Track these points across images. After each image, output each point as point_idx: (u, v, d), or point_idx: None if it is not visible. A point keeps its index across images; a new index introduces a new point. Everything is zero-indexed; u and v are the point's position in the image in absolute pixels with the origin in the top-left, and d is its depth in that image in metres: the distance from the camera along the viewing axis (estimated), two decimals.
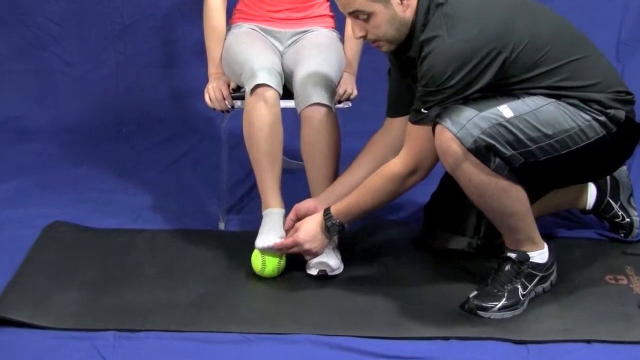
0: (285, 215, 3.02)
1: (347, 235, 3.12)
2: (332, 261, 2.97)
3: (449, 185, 2.93)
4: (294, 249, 2.90)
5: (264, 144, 3.01)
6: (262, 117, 2.99)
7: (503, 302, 2.75)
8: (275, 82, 3.02)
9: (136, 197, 3.67)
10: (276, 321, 2.74)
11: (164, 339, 2.65)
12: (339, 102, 3.19)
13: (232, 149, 3.49)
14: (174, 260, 3.12)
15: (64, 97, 4.46)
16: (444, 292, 2.88)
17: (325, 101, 3.01)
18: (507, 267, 2.79)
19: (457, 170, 2.64)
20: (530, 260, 2.78)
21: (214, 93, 3.21)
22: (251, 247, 2.98)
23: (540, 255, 2.79)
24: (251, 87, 3.00)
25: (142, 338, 2.65)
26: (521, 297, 2.77)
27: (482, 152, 2.59)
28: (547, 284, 2.84)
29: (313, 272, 2.96)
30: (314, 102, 3.00)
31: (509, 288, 2.76)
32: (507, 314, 2.74)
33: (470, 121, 2.59)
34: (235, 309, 2.81)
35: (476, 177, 2.63)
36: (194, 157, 4.10)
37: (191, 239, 3.26)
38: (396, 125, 2.93)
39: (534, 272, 2.79)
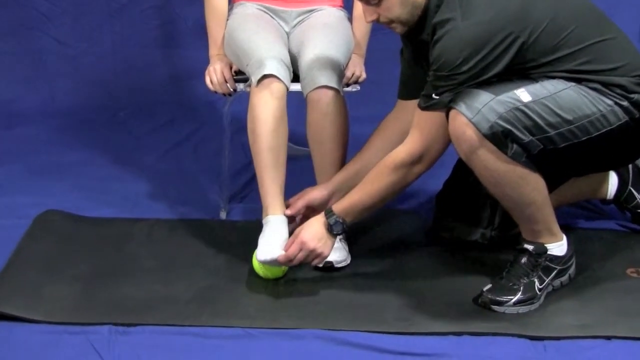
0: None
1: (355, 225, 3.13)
2: (339, 252, 2.97)
3: (463, 173, 2.94)
4: (300, 255, 2.84)
5: (268, 138, 2.96)
6: (268, 110, 2.96)
7: (518, 296, 2.75)
8: (284, 75, 3.00)
9: (133, 185, 3.68)
10: (280, 316, 2.75)
11: (162, 334, 2.65)
12: (347, 85, 3.19)
13: (234, 134, 3.50)
14: (173, 251, 3.12)
15: (56, 79, 4.47)
16: (457, 286, 2.89)
17: (332, 84, 3.00)
18: (524, 260, 2.79)
19: (472, 157, 2.64)
20: (548, 252, 2.78)
21: (215, 75, 3.21)
22: (255, 238, 2.96)
23: (558, 247, 2.79)
24: (258, 77, 2.98)
25: (139, 333, 2.66)
26: (538, 292, 2.77)
27: (499, 138, 2.59)
28: (565, 278, 2.85)
29: (319, 264, 2.96)
30: (321, 84, 3.00)
31: (525, 281, 2.77)
32: (523, 309, 2.75)
33: (486, 105, 2.58)
34: (237, 303, 2.82)
35: (492, 165, 2.63)
36: (194, 143, 4.11)
37: (191, 229, 3.26)
38: (409, 108, 2.92)
39: (551, 265, 2.79)
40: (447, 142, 2.69)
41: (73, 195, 3.56)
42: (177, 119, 4.32)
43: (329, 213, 2.85)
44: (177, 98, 4.44)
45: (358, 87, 3.26)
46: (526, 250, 2.79)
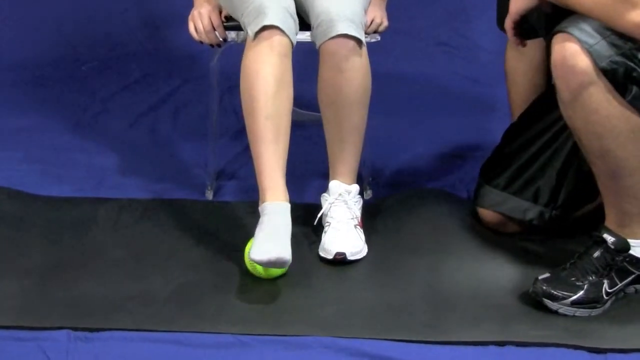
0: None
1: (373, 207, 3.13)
2: (353, 241, 2.98)
3: (516, 141, 2.91)
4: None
5: (268, 104, 2.94)
6: (268, 68, 2.94)
7: (580, 294, 2.71)
8: (289, 27, 2.98)
9: (98, 157, 3.69)
10: (279, 320, 2.75)
11: (132, 341, 2.65)
12: (365, 34, 3.18)
13: (223, 94, 3.51)
14: (147, 239, 3.13)
15: (4, 25, 4.48)
16: (500, 284, 2.88)
17: (353, 32, 2.98)
18: (597, 253, 2.74)
19: (581, 95, 2.57)
20: (630, 252, 2.74)
21: (201, 22, 3.20)
22: (248, 222, 2.97)
23: None
24: (256, 29, 2.96)
25: (104, 339, 2.65)
26: (604, 296, 2.73)
27: (619, 76, 2.54)
28: None
29: (328, 255, 2.97)
30: (339, 33, 2.97)
31: (592, 280, 2.73)
32: (582, 312, 2.72)
33: (606, 36, 2.54)
34: (226, 304, 2.82)
35: (605, 108, 2.57)
36: (174, 105, 4.12)
37: (169, 212, 3.28)
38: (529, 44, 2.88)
39: (629, 268, 2.75)
40: None
41: (23, 168, 3.58)
42: (152, 75, 4.34)
43: None
44: (153, 50, 4.46)
45: (378, 37, 3.27)
46: (604, 242, 2.74)
